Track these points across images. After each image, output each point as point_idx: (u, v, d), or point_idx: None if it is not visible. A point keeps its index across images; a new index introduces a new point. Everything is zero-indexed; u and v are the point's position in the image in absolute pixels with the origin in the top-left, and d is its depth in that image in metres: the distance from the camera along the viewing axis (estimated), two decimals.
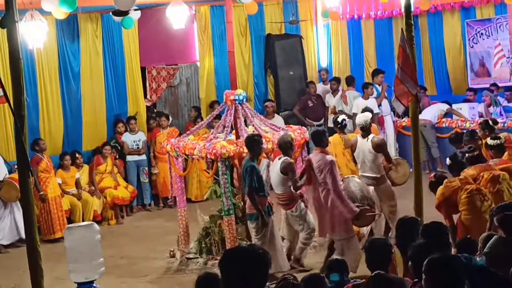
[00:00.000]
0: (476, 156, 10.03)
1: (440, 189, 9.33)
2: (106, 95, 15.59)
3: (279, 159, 10.29)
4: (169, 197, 13.27)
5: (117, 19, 14.01)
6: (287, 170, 10.09)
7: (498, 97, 16.72)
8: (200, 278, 6.06)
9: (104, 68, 15.53)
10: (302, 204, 10.47)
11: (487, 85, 17.71)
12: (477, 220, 8.95)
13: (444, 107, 16.89)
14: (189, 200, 14.97)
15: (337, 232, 10.07)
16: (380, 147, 11.05)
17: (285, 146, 10.27)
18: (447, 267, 4.85)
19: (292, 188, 10.25)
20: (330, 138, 11.35)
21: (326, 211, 10.08)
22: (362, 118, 11.40)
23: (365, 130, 11.18)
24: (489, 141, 10.41)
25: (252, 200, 9.86)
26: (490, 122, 12.04)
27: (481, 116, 15.81)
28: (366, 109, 12.88)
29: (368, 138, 11.11)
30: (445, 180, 9.40)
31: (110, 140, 15.25)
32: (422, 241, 6.17)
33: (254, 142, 10.00)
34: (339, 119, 11.81)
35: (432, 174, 10.20)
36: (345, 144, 11.62)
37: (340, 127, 11.77)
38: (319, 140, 10.29)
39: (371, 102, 15.92)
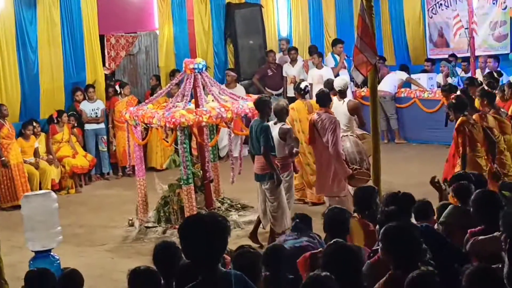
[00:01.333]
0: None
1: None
2: (64, 63, 15.36)
3: (274, 124, 10.41)
4: (127, 166, 13.20)
5: None
6: (285, 136, 10.29)
7: (456, 68, 16.85)
8: (158, 247, 6.04)
9: (62, 36, 15.28)
10: (290, 180, 10.58)
11: (446, 56, 17.84)
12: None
13: (403, 75, 17.01)
14: (153, 169, 14.96)
15: (333, 190, 10.57)
16: (354, 110, 11.48)
17: (281, 112, 10.45)
18: (402, 235, 4.91)
19: (288, 153, 10.42)
20: (293, 105, 12.00)
21: (326, 170, 10.66)
22: (341, 81, 11.96)
23: (342, 93, 11.65)
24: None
25: (268, 159, 9.86)
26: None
27: (439, 86, 15.92)
28: (327, 81, 12.96)
29: (344, 101, 11.54)
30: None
31: (68, 109, 15.11)
32: (390, 208, 6.23)
33: (264, 103, 10.16)
34: (302, 85, 12.13)
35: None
36: (308, 109, 11.79)
37: (303, 93, 12.09)
38: (324, 100, 10.87)
39: (326, 71, 16.04)
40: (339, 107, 11.48)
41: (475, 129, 10.15)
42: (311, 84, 15.03)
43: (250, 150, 10.37)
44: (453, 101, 10.71)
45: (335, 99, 11.61)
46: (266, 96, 10.65)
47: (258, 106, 10.19)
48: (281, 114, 10.47)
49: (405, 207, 6.53)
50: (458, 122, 10.20)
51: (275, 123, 10.44)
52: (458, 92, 12.49)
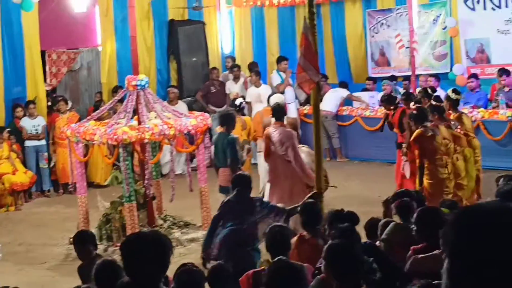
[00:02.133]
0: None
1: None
2: (4, 78, 15.16)
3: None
4: (69, 184, 13.06)
5: (17, 0, 13.69)
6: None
7: (397, 86, 17.06)
8: (98, 265, 5.97)
9: (2, 50, 15.10)
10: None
11: (387, 74, 18.06)
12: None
13: (344, 93, 17.14)
14: (95, 185, 14.82)
15: (295, 200, 10.18)
16: (294, 125, 11.73)
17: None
18: (344, 253, 4.93)
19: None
20: None
21: (285, 181, 10.60)
22: (276, 99, 12.34)
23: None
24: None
25: (234, 171, 10.06)
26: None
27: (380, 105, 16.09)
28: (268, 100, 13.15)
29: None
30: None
31: (8, 125, 14.90)
32: (345, 225, 6.23)
33: (229, 117, 10.68)
34: (237, 102, 12.61)
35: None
36: (242, 126, 11.96)
37: (238, 110, 12.39)
38: (280, 115, 10.89)
39: (264, 90, 16.10)
40: None
41: (433, 140, 10.42)
42: (249, 102, 15.18)
43: (215, 163, 10.66)
44: (414, 112, 10.97)
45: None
46: (231, 110, 11.18)
47: (223, 120, 10.71)
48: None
49: (353, 224, 6.55)
50: (414, 134, 10.53)
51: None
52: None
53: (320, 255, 6.58)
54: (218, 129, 11.35)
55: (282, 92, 16.35)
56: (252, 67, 17.82)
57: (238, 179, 8.62)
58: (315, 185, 10.10)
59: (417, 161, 10.53)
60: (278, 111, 10.99)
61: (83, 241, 7.44)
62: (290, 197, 10.52)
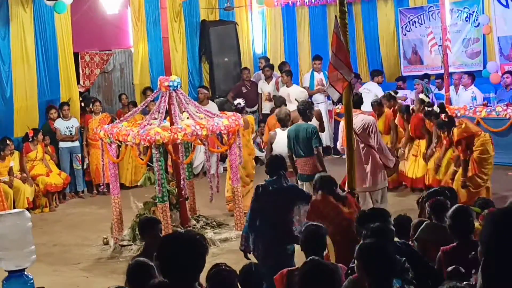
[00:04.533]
0: None
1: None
2: (38, 80, 15.27)
3: (283, 130, 11.25)
4: (101, 184, 13.14)
5: (49, 3, 13.80)
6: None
7: (430, 85, 16.94)
8: (131, 265, 5.99)
9: (36, 53, 15.21)
10: None
11: (420, 73, 17.96)
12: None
13: (378, 91, 16.93)
14: (122, 185, 14.88)
15: (379, 182, 11.05)
16: (318, 116, 12.51)
17: (285, 119, 11.40)
18: (377, 253, 4.90)
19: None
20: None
21: (368, 165, 10.94)
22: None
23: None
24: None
25: (321, 158, 10.39)
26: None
27: (412, 103, 16.01)
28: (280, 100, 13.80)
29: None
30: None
31: (42, 127, 15.02)
32: (376, 225, 6.18)
33: (309, 106, 11.03)
34: (235, 102, 12.85)
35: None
36: (245, 125, 12.21)
37: (236, 110, 12.54)
38: (359, 102, 11.10)
39: (294, 90, 16.11)
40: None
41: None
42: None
43: (291, 154, 10.74)
44: (445, 119, 12.09)
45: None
46: (308, 102, 11.51)
47: (303, 110, 10.93)
48: (286, 120, 11.38)
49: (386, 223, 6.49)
50: (457, 135, 11.70)
51: (282, 130, 11.26)
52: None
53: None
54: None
55: (311, 96, 16.34)
56: (282, 67, 17.80)
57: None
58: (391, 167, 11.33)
59: (461, 156, 11.72)
60: (357, 99, 11.05)
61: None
62: (374, 180, 11.01)
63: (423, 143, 13.61)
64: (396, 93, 15.23)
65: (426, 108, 13.31)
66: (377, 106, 14.10)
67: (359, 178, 10.41)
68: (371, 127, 10.94)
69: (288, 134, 10.93)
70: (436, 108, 12.85)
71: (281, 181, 8.31)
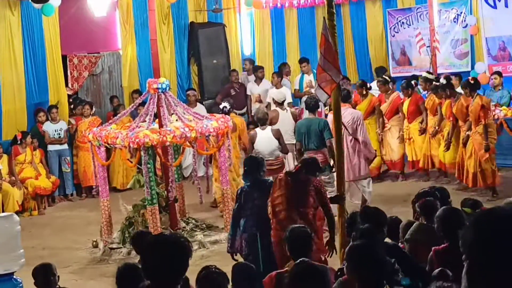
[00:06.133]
0: None
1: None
2: (26, 83, 15.23)
3: (262, 129, 11.69)
4: (94, 187, 13.13)
5: (37, 6, 13.76)
6: (278, 135, 11.65)
7: (418, 86, 16.96)
8: (121, 268, 5.98)
9: (24, 56, 15.17)
10: None
11: (409, 74, 17.97)
12: None
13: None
14: (114, 189, 14.86)
15: (364, 172, 11.95)
16: (294, 116, 13.35)
17: (264, 118, 11.81)
18: (367, 254, 4.89)
19: (281, 152, 11.79)
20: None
21: (354, 157, 11.81)
22: (279, 94, 13.89)
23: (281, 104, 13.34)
24: None
25: (332, 149, 10.47)
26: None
27: None
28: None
29: (287, 110, 13.34)
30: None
31: (31, 130, 14.97)
32: (365, 226, 6.20)
33: (315, 104, 11.60)
34: (221, 106, 13.02)
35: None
36: (232, 128, 12.36)
37: (221, 113, 12.57)
38: (346, 96, 11.74)
39: (284, 92, 16.17)
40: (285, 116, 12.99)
41: None
42: (269, 104, 15.39)
43: (301, 147, 11.27)
44: (471, 81, 12.93)
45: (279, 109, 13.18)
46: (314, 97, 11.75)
47: (312, 105, 11.57)
48: (265, 119, 11.82)
49: (378, 224, 6.49)
50: (481, 101, 12.46)
51: (263, 129, 11.68)
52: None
53: None
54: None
55: (300, 98, 16.41)
56: (283, 68, 17.82)
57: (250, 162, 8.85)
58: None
59: (483, 121, 12.42)
60: (346, 93, 11.63)
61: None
62: (359, 170, 11.84)
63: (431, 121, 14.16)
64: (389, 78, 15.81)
65: (434, 83, 13.95)
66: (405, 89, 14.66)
67: (347, 169, 10.94)
68: (359, 120, 11.78)
69: (298, 128, 11.58)
70: (442, 80, 13.58)
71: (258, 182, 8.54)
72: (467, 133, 12.85)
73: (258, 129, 11.78)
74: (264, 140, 11.52)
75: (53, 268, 7.09)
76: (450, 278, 5.23)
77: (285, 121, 12.80)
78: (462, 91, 13.13)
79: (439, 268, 5.49)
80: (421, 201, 7.24)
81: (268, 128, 11.75)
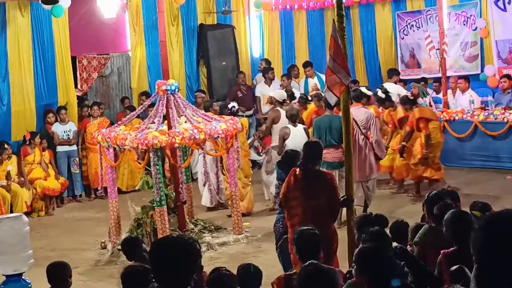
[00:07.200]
0: None
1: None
2: (35, 84, 15.28)
3: (295, 126, 12.15)
4: (99, 188, 13.13)
5: (47, 7, 13.80)
6: (308, 132, 12.15)
7: (428, 89, 16.93)
8: (126, 270, 5.97)
9: (33, 57, 15.22)
10: None
11: (418, 76, 17.94)
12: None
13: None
14: (119, 190, 14.86)
15: (374, 172, 12.18)
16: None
17: (297, 114, 12.45)
18: (376, 257, 4.89)
19: None
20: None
21: (366, 156, 11.95)
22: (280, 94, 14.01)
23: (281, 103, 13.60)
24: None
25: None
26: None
27: None
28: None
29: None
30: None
31: (40, 131, 15.01)
32: (376, 229, 6.17)
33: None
34: (229, 106, 13.18)
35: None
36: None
37: (230, 113, 12.82)
38: (359, 97, 12.27)
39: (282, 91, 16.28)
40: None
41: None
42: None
43: (324, 143, 10.96)
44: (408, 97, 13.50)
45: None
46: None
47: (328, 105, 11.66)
48: (297, 116, 12.36)
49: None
50: (417, 114, 13.11)
51: (294, 126, 12.15)
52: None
53: None
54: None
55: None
56: (291, 70, 17.86)
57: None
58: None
59: (425, 132, 13.03)
60: (357, 93, 12.23)
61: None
62: (370, 169, 12.00)
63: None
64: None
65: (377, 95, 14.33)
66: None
67: (356, 169, 11.11)
68: (372, 120, 11.97)
69: (318, 125, 11.80)
70: (381, 94, 14.13)
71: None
72: (402, 143, 13.30)
73: (290, 126, 12.21)
74: (298, 137, 11.81)
75: (70, 270, 7.17)
76: (468, 276, 5.21)
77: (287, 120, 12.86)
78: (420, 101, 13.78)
79: (457, 265, 5.45)
80: (439, 204, 7.17)
81: (300, 125, 12.28)
